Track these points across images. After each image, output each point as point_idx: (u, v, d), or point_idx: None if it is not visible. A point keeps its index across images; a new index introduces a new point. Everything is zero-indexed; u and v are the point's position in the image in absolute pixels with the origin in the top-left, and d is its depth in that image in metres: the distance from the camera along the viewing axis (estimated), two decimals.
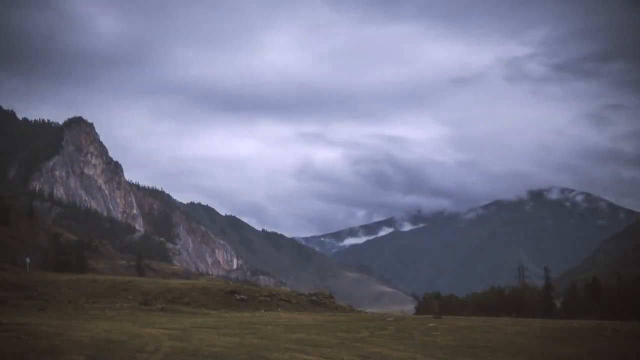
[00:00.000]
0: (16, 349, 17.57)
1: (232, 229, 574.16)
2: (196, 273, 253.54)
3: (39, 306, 43.72)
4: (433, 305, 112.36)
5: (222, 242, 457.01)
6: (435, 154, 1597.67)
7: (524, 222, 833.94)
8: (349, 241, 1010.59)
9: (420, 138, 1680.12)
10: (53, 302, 48.35)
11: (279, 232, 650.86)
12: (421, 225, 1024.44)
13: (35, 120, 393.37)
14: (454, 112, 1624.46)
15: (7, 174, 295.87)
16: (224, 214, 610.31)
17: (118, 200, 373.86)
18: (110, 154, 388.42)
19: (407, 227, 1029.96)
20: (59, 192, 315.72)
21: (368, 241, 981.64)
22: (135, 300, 54.13)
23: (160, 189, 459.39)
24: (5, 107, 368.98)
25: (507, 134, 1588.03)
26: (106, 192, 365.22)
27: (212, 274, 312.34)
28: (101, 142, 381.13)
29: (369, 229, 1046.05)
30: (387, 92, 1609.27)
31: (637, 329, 34.24)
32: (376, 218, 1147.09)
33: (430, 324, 35.35)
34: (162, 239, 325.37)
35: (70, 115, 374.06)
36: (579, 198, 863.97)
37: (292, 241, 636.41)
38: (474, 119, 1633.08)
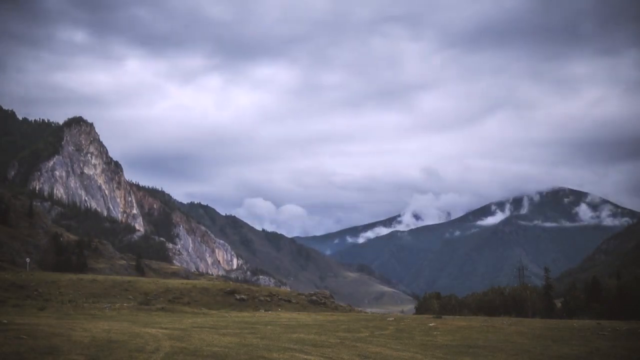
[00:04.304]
0: (16, 348, 17.56)
1: (232, 228, 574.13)
2: (196, 273, 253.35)
3: (39, 306, 43.75)
4: (433, 305, 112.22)
5: (222, 242, 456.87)
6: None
7: (524, 222, 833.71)
8: (349, 241, 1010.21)
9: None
10: (53, 302, 48.38)
11: (279, 232, 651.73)
12: (421, 225, 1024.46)
13: (35, 120, 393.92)
14: None
15: (7, 174, 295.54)
16: (224, 214, 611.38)
17: (118, 200, 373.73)
18: (110, 154, 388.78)
19: (407, 227, 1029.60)
20: (59, 192, 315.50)
21: (368, 241, 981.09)
22: (135, 300, 54.21)
23: (160, 189, 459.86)
24: (5, 107, 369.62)
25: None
26: (106, 192, 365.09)
27: (212, 274, 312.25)
28: (101, 142, 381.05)
29: (369, 228, 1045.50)
30: None
31: (637, 329, 34.22)
32: (376, 218, 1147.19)
33: (430, 324, 35.36)
34: (162, 239, 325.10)
35: (70, 115, 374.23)
36: (579, 198, 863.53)
37: (292, 241, 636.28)
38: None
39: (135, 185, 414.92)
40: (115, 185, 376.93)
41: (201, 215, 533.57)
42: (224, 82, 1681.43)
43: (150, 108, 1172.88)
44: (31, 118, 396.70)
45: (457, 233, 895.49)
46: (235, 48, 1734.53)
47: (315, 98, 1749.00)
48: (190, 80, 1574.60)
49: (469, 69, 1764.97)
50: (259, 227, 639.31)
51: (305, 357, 20.09)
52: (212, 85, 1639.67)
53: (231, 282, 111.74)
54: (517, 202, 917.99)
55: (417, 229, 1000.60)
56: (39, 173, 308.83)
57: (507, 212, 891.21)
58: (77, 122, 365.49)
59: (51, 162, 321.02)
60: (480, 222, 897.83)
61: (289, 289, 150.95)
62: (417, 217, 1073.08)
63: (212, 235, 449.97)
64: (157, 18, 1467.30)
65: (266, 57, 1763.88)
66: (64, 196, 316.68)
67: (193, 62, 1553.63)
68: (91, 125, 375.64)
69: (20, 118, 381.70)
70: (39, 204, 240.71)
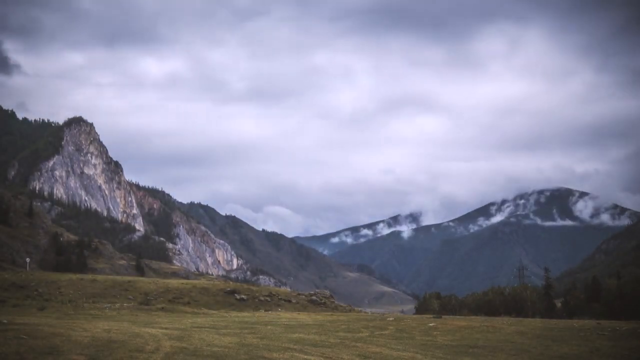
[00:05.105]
0: (16, 348, 17.56)
1: (232, 228, 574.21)
2: (196, 273, 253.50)
3: (39, 306, 43.76)
4: (433, 305, 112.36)
5: (222, 242, 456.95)
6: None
7: (524, 221, 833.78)
8: (349, 241, 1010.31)
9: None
10: (53, 302, 48.37)
11: (279, 232, 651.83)
12: (421, 225, 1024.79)
13: (35, 120, 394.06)
14: None
15: (7, 174, 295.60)
16: (224, 214, 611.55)
17: (118, 200, 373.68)
18: (110, 154, 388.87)
19: (407, 227, 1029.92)
20: (59, 192, 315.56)
21: (368, 241, 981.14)
22: (135, 300, 54.19)
23: (160, 189, 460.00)
24: (5, 107, 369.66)
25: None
26: (106, 192, 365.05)
27: (212, 274, 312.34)
28: (101, 142, 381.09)
29: (369, 228, 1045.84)
30: None
31: (637, 329, 34.21)
32: (376, 218, 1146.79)
33: (430, 324, 35.35)
34: (162, 239, 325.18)
35: (70, 115, 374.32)
36: (579, 198, 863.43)
37: (292, 241, 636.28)
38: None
39: (135, 185, 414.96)
40: (115, 185, 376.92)
41: (201, 215, 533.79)
42: (122, 80, 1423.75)
43: (50, 114, 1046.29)
44: (31, 118, 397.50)
45: (457, 233, 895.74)
46: (125, 43, 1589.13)
47: (221, 94, 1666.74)
48: (86, 80, 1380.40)
49: (379, 59, 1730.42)
50: (258, 227, 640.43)
51: (305, 357, 20.08)
52: (110, 83, 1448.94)
53: (231, 282, 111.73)
54: (517, 201, 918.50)
55: (417, 228, 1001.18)
56: (39, 173, 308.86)
57: (507, 212, 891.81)
58: (77, 122, 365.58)
59: (51, 162, 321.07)
60: (480, 222, 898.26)
61: (289, 289, 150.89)
62: (417, 217, 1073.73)
63: (212, 235, 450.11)
64: (36, 13, 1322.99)
65: (158, 52, 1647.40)
66: (64, 196, 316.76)
67: (82, 60, 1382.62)
68: (91, 125, 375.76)
69: (20, 118, 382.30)
70: (39, 204, 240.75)
